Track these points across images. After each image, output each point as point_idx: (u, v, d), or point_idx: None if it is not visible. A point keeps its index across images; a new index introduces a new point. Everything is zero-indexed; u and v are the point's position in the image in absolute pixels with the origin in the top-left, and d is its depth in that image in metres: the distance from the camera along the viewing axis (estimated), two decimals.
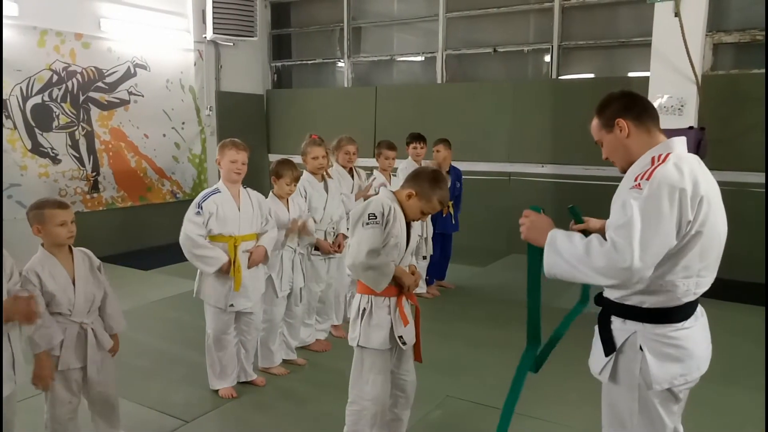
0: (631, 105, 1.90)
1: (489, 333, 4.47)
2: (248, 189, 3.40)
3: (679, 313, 1.80)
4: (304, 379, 3.63)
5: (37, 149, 6.16)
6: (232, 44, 8.06)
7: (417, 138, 5.25)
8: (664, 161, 1.74)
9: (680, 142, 1.85)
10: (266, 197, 3.58)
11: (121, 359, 2.84)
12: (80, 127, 6.54)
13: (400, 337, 2.53)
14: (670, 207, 1.66)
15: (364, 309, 2.52)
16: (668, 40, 5.12)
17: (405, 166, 4.98)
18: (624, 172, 1.90)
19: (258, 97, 8.84)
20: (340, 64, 8.53)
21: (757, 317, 4.70)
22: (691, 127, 5.05)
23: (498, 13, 7.23)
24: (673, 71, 5.17)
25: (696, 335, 1.84)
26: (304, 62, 8.91)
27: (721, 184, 1.90)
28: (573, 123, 6.49)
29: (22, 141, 6.03)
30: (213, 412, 3.20)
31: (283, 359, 3.76)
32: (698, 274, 1.78)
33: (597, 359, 1.90)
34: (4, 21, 5.50)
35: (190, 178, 7.80)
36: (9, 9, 5.73)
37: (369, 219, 2.46)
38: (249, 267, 3.29)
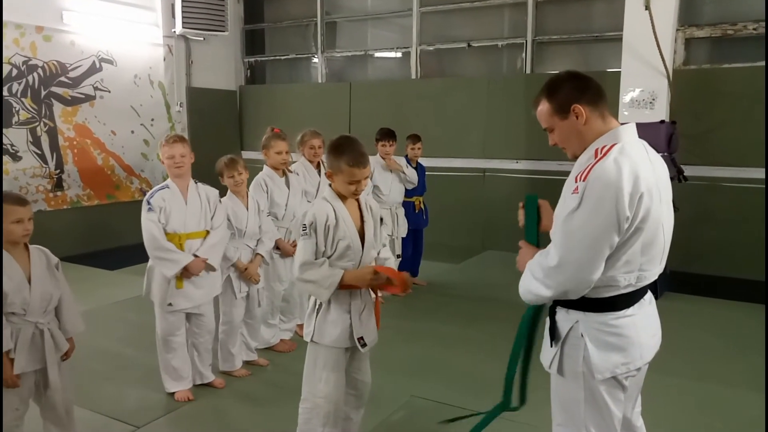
0: (585, 88, 1.79)
1: (460, 331, 4.39)
2: (200, 184, 3.27)
3: (621, 302, 1.76)
4: (265, 381, 3.52)
5: None
6: (202, 39, 7.89)
7: (387, 135, 5.14)
8: (605, 155, 1.67)
9: (628, 131, 1.78)
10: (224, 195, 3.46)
11: (75, 362, 2.70)
12: (42, 123, 6.34)
13: (360, 338, 2.43)
14: (602, 206, 1.63)
15: (321, 303, 2.41)
16: (639, 34, 5.09)
17: (372, 163, 4.87)
18: (575, 158, 1.83)
19: (230, 93, 8.67)
20: (314, 59, 8.41)
21: (732, 311, 4.70)
22: (662, 121, 5.03)
23: (471, 8, 7.15)
24: (644, 65, 5.15)
25: (638, 323, 1.79)
26: (278, 57, 8.76)
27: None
28: None
29: None
30: (165, 417, 3.08)
31: (244, 361, 3.64)
32: (640, 268, 1.74)
33: (546, 352, 1.88)
34: None
35: (159, 176, 7.60)
36: None
37: (302, 230, 2.36)
38: (186, 277, 3.14)
